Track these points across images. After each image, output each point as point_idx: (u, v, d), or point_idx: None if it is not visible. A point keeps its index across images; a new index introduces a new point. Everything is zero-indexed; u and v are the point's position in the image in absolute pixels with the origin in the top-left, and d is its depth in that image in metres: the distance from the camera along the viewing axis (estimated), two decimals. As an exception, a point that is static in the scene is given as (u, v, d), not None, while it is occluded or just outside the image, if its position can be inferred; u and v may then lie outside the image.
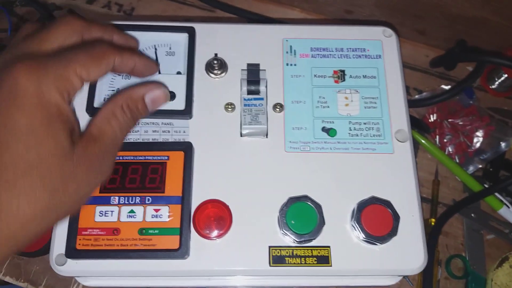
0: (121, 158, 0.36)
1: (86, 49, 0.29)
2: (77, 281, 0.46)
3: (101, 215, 0.34)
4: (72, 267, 0.34)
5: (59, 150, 0.26)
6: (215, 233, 0.34)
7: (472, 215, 0.50)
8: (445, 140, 0.53)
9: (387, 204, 0.35)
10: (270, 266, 0.34)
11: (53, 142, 0.26)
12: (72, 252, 0.33)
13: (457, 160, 0.52)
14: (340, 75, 0.39)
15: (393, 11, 0.54)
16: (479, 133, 0.52)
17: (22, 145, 0.25)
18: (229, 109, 0.38)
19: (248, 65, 0.38)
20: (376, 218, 0.34)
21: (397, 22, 0.55)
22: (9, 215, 0.24)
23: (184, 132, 0.38)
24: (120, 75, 0.39)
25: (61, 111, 0.27)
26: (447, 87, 0.55)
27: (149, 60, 0.36)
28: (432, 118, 0.54)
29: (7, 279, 0.46)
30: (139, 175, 0.35)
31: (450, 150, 0.53)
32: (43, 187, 0.25)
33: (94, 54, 0.29)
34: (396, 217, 0.34)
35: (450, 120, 0.53)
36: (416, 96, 0.55)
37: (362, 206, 0.35)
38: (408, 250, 0.35)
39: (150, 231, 0.34)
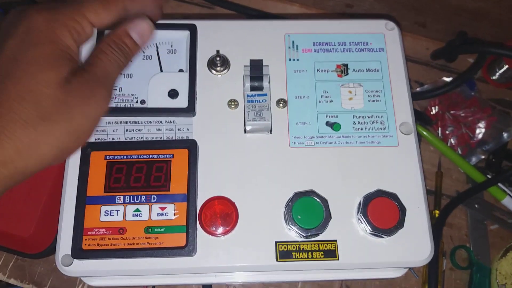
0: (125, 157, 0.35)
1: None
2: (82, 281, 0.46)
3: (106, 214, 0.34)
4: (78, 268, 0.34)
5: (56, 81, 0.27)
6: (221, 229, 0.34)
7: (476, 206, 0.50)
8: (447, 132, 0.53)
9: (393, 196, 0.35)
10: (277, 261, 0.34)
11: (53, 73, 0.27)
12: (78, 252, 0.33)
13: (460, 152, 0.52)
14: (343, 69, 0.39)
15: (393, 4, 0.53)
16: (481, 124, 0.52)
17: (25, 74, 0.27)
18: (232, 106, 0.38)
19: (251, 61, 0.38)
20: (383, 211, 0.34)
21: (397, 15, 0.54)
22: (4, 139, 0.25)
23: (187, 129, 0.37)
24: (122, 74, 0.38)
25: (68, 50, 0.29)
26: (448, 79, 0.55)
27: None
28: (434, 110, 0.54)
29: (12, 281, 0.46)
30: (144, 174, 0.35)
31: (453, 141, 0.53)
32: (36, 114, 0.26)
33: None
34: (402, 210, 0.34)
35: (452, 112, 0.53)
36: (418, 89, 0.55)
37: (368, 199, 0.35)
38: (415, 242, 0.35)
39: (156, 230, 0.34)
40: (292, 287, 0.46)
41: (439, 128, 0.53)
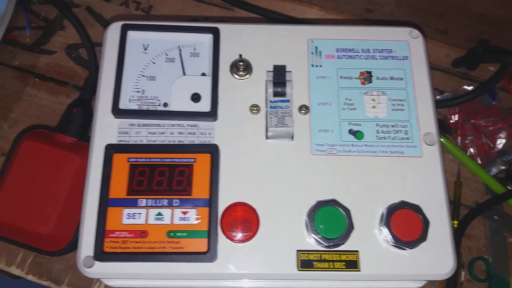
0: (148, 160, 0.35)
1: None
2: (99, 280, 0.46)
3: (128, 217, 0.34)
4: (99, 269, 0.34)
5: None
6: (242, 236, 0.34)
7: (495, 217, 0.49)
8: (467, 141, 0.53)
9: (417, 208, 0.34)
10: (299, 270, 0.34)
11: None
12: (100, 254, 0.33)
13: (479, 162, 0.52)
14: (367, 77, 0.39)
15: (415, 10, 0.53)
16: (502, 134, 0.52)
17: None
18: (254, 111, 0.38)
19: (275, 66, 0.37)
20: (406, 223, 0.34)
21: (418, 21, 0.54)
22: None
23: (209, 134, 0.37)
24: (145, 76, 0.38)
25: None
26: (469, 88, 0.54)
27: None
28: (454, 118, 0.53)
29: (30, 277, 0.46)
30: (166, 177, 0.35)
31: (472, 151, 0.52)
32: None
33: None
34: (426, 222, 0.34)
35: (472, 121, 0.53)
36: (438, 97, 0.54)
37: (392, 211, 0.34)
38: (437, 255, 0.34)
39: (178, 234, 0.34)
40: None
41: (459, 137, 0.53)
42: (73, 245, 0.44)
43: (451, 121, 0.53)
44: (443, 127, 0.52)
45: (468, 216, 0.49)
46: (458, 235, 0.47)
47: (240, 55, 0.39)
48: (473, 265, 0.48)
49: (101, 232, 0.34)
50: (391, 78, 0.39)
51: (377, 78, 0.39)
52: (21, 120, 0.51)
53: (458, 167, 0.52)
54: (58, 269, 0.46)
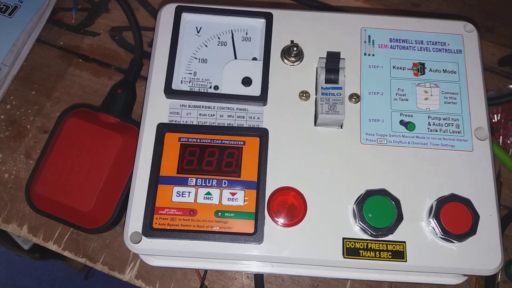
0: (198, 140, 0.36)
1: None
2: (133, 259, 0.46)
3: (178, 195, 0.34)
4: (147, 246, 0.34)
5: None
6: (288, 220, 0.34)
7: (535, 219, 0.48)
8: (509, 142, 0.52)
9: (467, 202, 0.34)
10: (344, 257, 0.34)
11: None
12: (149, 230, 0.34)
13: (521, 163, 0.51)
14: (420, 68, 0.39)
15: (463, 5, 0.52)
16: (546, 136, 0.51)
17: None
18: (303, 98, 0.38)
19: (328, 53, 0.37)
20: (456, 216, 0.34)
21: (465, 18, 0.53)
22: None
23: (258, 118, 0.37)
24: (197, 58, 0.39)
25: None
26: (513, 87, 0.53)
27: None
28: (496, 118, 0.53)
29: (66, 253, 0.47)
30: (216, 158, 0.35)
31: (513, 151, 0.51)
32: None
33: None
34: (476, 216, 0.34)
35: (515, 121, 0.52)
36: (481, 95, 0.53)
37: (442, 203, 0.34)
38: (485, 250, 0.34)
39: (226, 214, 0.34)
40: (341, 284, 0.46)
41: (500, 137, 0.52)
42: (111, 224, 0.44)
43: (493, 120, 0.53)
44: (486, 126, 0.51)
45: (507, 216, 0.48)
46: (498, 235, 0.47)
47: (292, 41, 0.39)
48: (510, 266, 0.47)
49: (150, 208, 0.34)
50: (444, 71, 0.39)
51: (430, 70, 0.39)
52: (63, 99, 0.52)
53: (499, 167, 0.51)
54: (94, 247, 0.47)
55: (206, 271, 0.44)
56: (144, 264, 0.45)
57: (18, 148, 0.50)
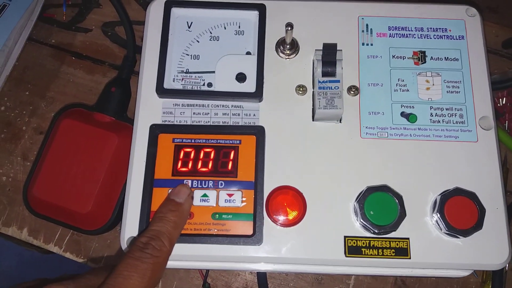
0: (193, 141, 0.35)
1: None
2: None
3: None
4: (144, 250, 0.33)
5: None
6: (288, 220, 0.33)
7: (543, 206, 0.47)
8: (514, 126, 0.50)
9: (472, 196, 0.33)
10: (346, 256, 0.33)
11: None
12: (145, 235, 0.33)
13: (528, 148, 0.49)
14: (421, 57, 0.37)
15: (465, -14, 0.50)
16: (554, 120, 0.49)
17: None
18: (300, 92, 0.37)
19: (325, 44, 0.36)
20: (461, 211, 0.33)
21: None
22: None
23: (254, 115, 0.36)
24: (189, 55, 0.37)
25: None
26: (519, 70, 0.51)
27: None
28: (502, 102, 0.51)
29: (67, 255, 0.47)
30: (212, 159, 0.34)
31: (520, 136, 0.50)
32: None
33: None
34: (481, 210, 0.33)
35: (521, 105, 0.50)
36: (486, 79, 0.51)
37: (446, 198, 0.33)
38: (492, 245, 0.33)
39: (224, 216, 0.33)
40: (346, 278, 0.46)
41: (506, 122, 0.50)
42: (111, 224, 0.44)
43: (498, 105, 0.51)
44: (491, 111, 0.49)
45: (514, 204, 0.47)
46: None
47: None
48: (519, 255, 0.46)
49: (146, 212, 0.33)
50: (446, 59, 0.37)
51: (432, 58, 0.37)
52: (58, 98, 0.51)
53: (506, 153, 0.49)
54: (95, 247, 0.47)
55: (208, 270, 0.43)
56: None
57: (15, 150, 0.49)
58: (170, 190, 0.33)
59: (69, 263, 0.47)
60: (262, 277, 0.43)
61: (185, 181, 0.34)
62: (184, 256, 0.34)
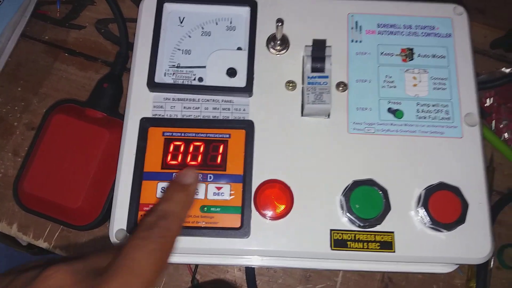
0: (183, 134, 0.35)
1: None
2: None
3: (163, 191, 0.34)
4: (132, 242, 0.34)
5: None
6: (275, 213, 0.34)
7: (529, 204, 0.48)
8: (501, 126, 0.51)
9: (456, 190, 0.34)
10: (332, 249, 0.33)
11: None
12: (133, 227, 0.33)
13: (514, 147, 0.50)
14: (408, 54, 0.38)
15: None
16: (540, 120, 0.50)
17: None
18: (290, 87, 0.37)
19: (314, 40, 0.36)
20: (444, 205, 0.33)
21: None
22: None
23: (244, 110, 0.37)
24: (180, 50, 0.38)
25: None
26: (507, 70, 0.52)
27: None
28: (489, 102, 0.52)
29: (57, 251, 0.47)
30: (201, 152, 0.35)
31: (507, 136, 0.51)
32: None
33: None
34: (465, 205, 0.33)
35: (508, 104, 0.51)
36: (474, 79, 0.52)
37: (430, 192, 0.33)
38: (475, 239, 0.34)
39: (212, 209, 0.34)
40: (333, 275, 0.46)
41: (493, 121, 0.51)
42: (100, 220, 0.44)
43: (485, 105, 0.52)
44: (479, 111, 0.50)
45: (500, 202, 0.48)
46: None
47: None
48: (502, 252, 0.46)
49: (135, 205, 0.34)
50: (433, 56, 0.38)
51: (419, 55, 0.38)
52: (50, 94, 0.51)
53: (492, 152, 0.50)
54: (84, 243, 0.47)
55: (197, 265, 0.43)
56: (136, 259, 0.45)
57: (6, 146, 0.49)
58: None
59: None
60: (250, 273, 0.43)
61: (174, 174, 0.34)
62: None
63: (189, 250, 0.34)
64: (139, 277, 0.24)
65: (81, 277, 0.23)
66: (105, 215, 0.44)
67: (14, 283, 0.24)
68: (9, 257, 1.15)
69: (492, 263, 0.47)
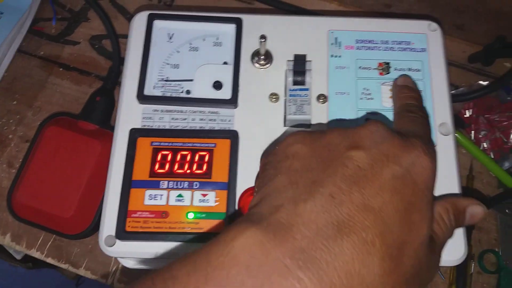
0: (170, 144, 0.37)
1: None
2: (116, 263, 0.47)
3: (150, 198, 0.35)
4: (120, 248, 0.35)
5: (426, 238, 0.26)
6: (259, 219, 0.35)
7: (507, 210, 0.50)
8: (480, 136, 0.53)
9: (431, 196, 0.35)
10: (314, 253, 0.35)
11: (426, 228, 0.26)
12: (122, 233, 0.35)
13: (492, 156, 0.52)
14: (385, 68, 0.40)
15: (433, 5, 0.53)
16: (516, 130, 0.52)
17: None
18: (273, 100, 0.39)
19: (295, 55, 0.38)
20: (420, 210, 0.34)
21: (435, 17, 0.54)
22: None
23: (229, 121, 0.38)
24: (169, 64, 0.40)
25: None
26: (484, 83, 0.54)
27: None
28: (468, 113, 0.54)
29: (49, 260, 0.48)
30: (188, 161, 0.36)
31: (485, 145, 0.53)
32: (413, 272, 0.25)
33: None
34: (439, 209, 0.35)
35: (486, 115, 0.53)
36: (453, 91, 0.54)
37: (406, 198, 0.35)
38: (449, 242, 0.35)
39: (198, 215, 0.35)
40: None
41: (472, 132, 0.53)
42: (92, 229, 0.45)
43: (465, 116, 0.54)
44: (457, 121, 0.52)
45: (480, 210, 0.49)
46: (469, 227, 0.48)
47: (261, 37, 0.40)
48: (483, 258, 0.48)
49: (123, 212, 0.35)
50: (409, 69, 0.40)
51: (395, 69, 0.40)
52: (44, 108, 0.53)
53: (471, 161, 0.52)
54: (76, 252, 0.47)
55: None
56: (127, 268, 0.46)
57: (0, 158, 0.50)
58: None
59: (53, 278, 0.48)
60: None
61: (161, 182, 0.36)
62: (160, 254, 0.35)
63: (175, 255, 0.35)
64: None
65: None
66: (97, 224, 0.45)
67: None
68: (4, 272, 1.15)
69: (472, 268, 0.48)
